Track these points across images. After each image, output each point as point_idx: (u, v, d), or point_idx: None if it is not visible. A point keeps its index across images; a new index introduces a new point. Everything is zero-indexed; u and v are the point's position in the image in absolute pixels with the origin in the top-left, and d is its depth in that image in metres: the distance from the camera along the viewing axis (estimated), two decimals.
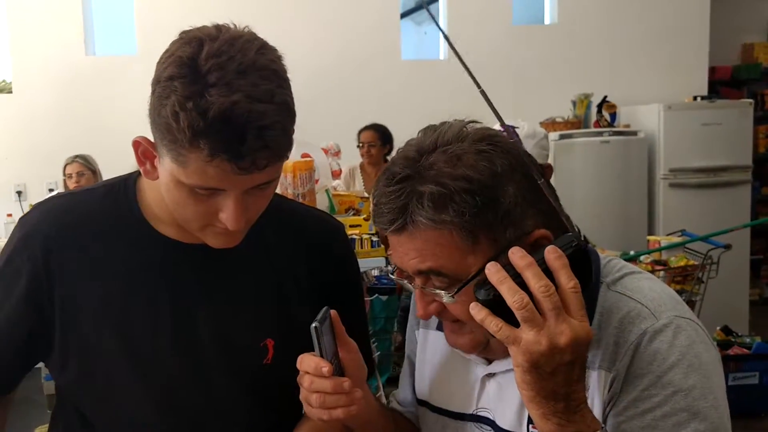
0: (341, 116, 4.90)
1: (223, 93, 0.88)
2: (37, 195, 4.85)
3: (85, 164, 4.28)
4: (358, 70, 5.25)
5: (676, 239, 4.07)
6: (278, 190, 2.74)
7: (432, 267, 0.91)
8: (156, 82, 0.93)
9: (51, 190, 4.85)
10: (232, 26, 0.97)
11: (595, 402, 0.93)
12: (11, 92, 5.11)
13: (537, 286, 0.80)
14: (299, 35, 5.11)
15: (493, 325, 0.82)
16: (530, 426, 0.98)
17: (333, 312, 1.00)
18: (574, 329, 0.80)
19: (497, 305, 0.82)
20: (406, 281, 0.97)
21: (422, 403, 1.17)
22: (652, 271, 3.75)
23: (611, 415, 0.92)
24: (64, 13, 5.08)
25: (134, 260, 1.09)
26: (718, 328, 4.23)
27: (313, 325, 0.93)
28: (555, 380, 0.81)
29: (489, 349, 0.99)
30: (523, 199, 0.90)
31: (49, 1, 5.09)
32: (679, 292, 3.72)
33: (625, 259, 3.85)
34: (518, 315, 0.80)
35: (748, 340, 4.16)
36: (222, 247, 1.06)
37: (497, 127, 2.51)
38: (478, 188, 0.88)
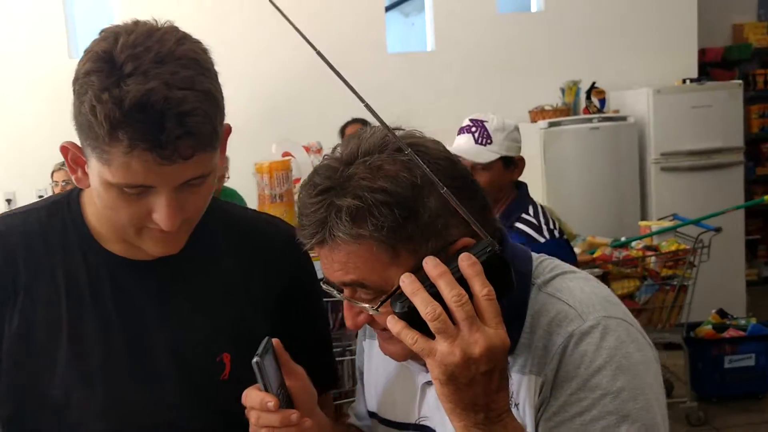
0: (325, 113, 4.86)
1: (139, 81, 0.87)
2: (28, 203, 4.84)
3: None
4: (342, 65, 5.10)
5: (667, 224, 4.06)
6: (255, 192, 2.71)
7: (355, 279, 0.89)
8: (75, 81, 0.92)
9: (41, 197, 4.82)
10: (152, 21, 0.95)
11: (526, 408, 0.91)
12: None
13: (450, 296, 0.78)
14: (280, 30, 5.08)
15: (409, 338, 0.80)
16: None
17: (276, 341, 0.98)
18: (489, 338, 0.78)
19: (414, 317, 0.80)
20: (335, 291, 0.95)
21: (372, 415, 1.16)
22: (644, 257, 3.73)
23: (542, 420, 0.91)
24: (45, 16, 5.04)
25: (82, 279, 1.06)
26: (713, 311, 4.21)
27: (254, 360, 0.91)
28: (473, 391, 0.79)
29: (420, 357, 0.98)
30: (446, 209, 0.87)
31: (29, 6, 5.05)
32: (671, 277, 3.71)
33: (617, 246, 3.86)
34: (431, 326, 0.78)
35: (743, 322, 4.15)
36: (162, 254, 1.03)
37: (491, 116, 2.50)
38: (396, 201, 0.85)
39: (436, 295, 0.79)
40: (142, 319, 1.07)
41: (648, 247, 3.85)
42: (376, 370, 1.14)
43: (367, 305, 0.90)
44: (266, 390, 0.93)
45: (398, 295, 0.83)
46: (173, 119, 0.87)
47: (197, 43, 0.95)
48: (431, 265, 0.81)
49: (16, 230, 1.08)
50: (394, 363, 1.08)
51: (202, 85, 0.91)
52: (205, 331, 1.09)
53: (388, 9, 5.78)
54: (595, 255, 3.70)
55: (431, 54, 5.46)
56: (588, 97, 5.12)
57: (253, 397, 0.95)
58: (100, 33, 0.94)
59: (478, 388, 0.79)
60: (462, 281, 0.80)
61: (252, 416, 0.95)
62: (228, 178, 3.28)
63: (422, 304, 0.79)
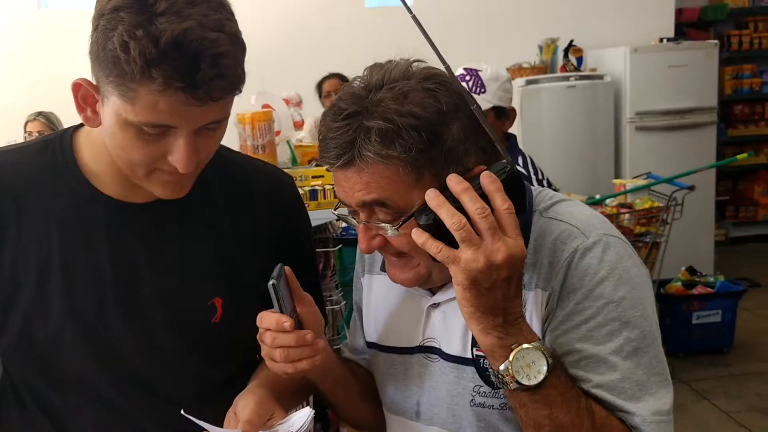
0: (303, 66, 4.81)
1: (173, 20, 0.86)
2: None
3: (47, 123, 4.14)
4: (320, 18, 5.14)
5: (641, 182, 4.10)
6: (237, 142, 2.69)
7: (377, 198, 0.93)
8: (99, 16, 0.90)
9: None
10: None
11: (533, 320, 0.97)
12: None
13: (474, 209, 0.85)
14: None
15: (434, 247, 0.86)
16: (474, 349, 1.02)
17: (287, 268, 0.99)
18: (510, 247, 0.85)
19: (437, 229, 0.87)
20: (349, 216, 0.99)
21: (372, 345, 1.19)
22: (618, 214, 3.78)
23: (549, 330, 0.97)
24: None
25: (74, 220, 1.05)
26: (683, 268, 4.29)
27: (271, 282, 0.94)
28: (493, 295, 0.86)
29: (431, 280, 1.02)
30: (466, 138, 0.93)
31: None
32: (644, 234, 3.76)
33: (591, 203, 3.89)
34: (457, 235, 0.84)
35: (711, 279, 4.24)
36: (169, 197, 1.03)
37: (484, 65, 2.48)
38: (424, 125, 0.90)
39: (458, 209, 0.86)
40: (134, 261, 1.06)
41: (622, 205, 3.89)
42: (375, 302, 1.18)
43: (386, 225, 0.94)
44: (281, 312, 0.96)
45: (423, 208, 0.89)
46: (208, 60, 0.87)
47: None
48: (455, 182, 0.87)
49: (4, 168, 1.06)
50: (395, 293, 1.13)
51: (231, 29, 0.91)
52: (197, 275, 1.09)
53: None
54: None
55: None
56: (566, 55, 5.12)
57: (268, 318, 0.97)
58: None
59: (498, 293, 0.86)
60: (482, 198, 0.86)
61: (267, 337, 0.98)
62: None
63: (448, 216, 0.85)
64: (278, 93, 3.31)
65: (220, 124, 0.98)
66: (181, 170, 0.96)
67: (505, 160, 0.90)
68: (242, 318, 1.01)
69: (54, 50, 4.85)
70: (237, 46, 0.92)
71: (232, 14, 0.94)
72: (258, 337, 0.99)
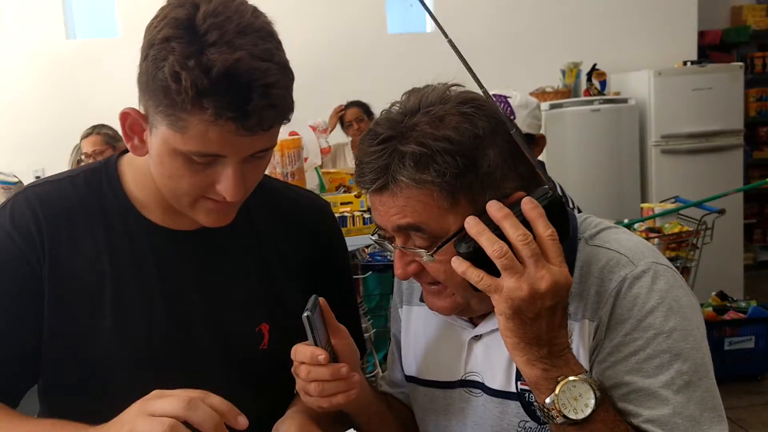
0: (328, 93, 4.83)
1: (224, 51, 0.86)
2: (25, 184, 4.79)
3: (107, 139, 3.60)
4: (344, 45, 5.17)
5: (669, 206, 4.05)
6: (267, 170, 2.70)
7: (412, 223, 0.91)
8: (149, 46, 0.89)
9: (37, 177, 4.78)
10: None
11: (580, 352, 0.94)
12: None
13: (515, 235, 0.82)
14: (283, 11, 5.03)
15: (475, 276, 0.84)
16: (519, 383, 0.99)
17: (322, 300, 0.98)
18: (554, 274, 0.82)
19: (478, 257, 0.84)
20: (386, 242, 0.97)
21: (411, 379, 1.16)
22: (647, 239, 3.73)
23: (596, 362, 0.94)
24: None
25: (123, 249, 1.05)
26: (713, 293, 4.23)
27: (305, 314, 0.92)
28: (538, 325, 0.83)
29: (470, 310, 1.00)
30: (504, 163, 0.90)
31: None
32: (674, 259, 3.71)
33: None
34: (498, 263, 0.82)
35: (743, 304, 4.17)
36: (214, 225, 1.03)
37: (513, 92, 2.47)
38: (459, 150, 0.88)
39: (499, 236, 0.83)
40: (183, 289, 1.06)
41: (651, 229, 3.85)
42: (414, 335, 1.15)
43: (422, 250, 0.92)
44: (316, 345, 0.94)
45: (462, 236, 0.86)
46: (259, 90, 0.87)
47: (265, 15, 0.95)
48: (495, 208, 0.85)
49: (54, 197, 1.06)
50: (434, 325, 1.11)
51: (280, 58, 0.91)
52: (244, 301, 1.09)
53: None
54: None
55: (430, 35, 5.43)
56: (589, 79, 5.11)
57: (303, 351, 0.96)
58: (168, 1, 0.92)
59: (542, 323, 0.83)
60: (523, 224, 0.83)
61: (302, 371, 0.96)
62: None
63: (488, 243, 0.82)
64: (303, 119, 3.33)
65: (267, 152, 0.98)
66: (230, 199, 0.95)
67: (546, 186, 0.88)
68: (288, 344, 1.00)
69: (83, 80, 4.92)
70: (286, 75, 0.92)
71: (280, 43, 0.94)
72: (292, 370, 0.98)
